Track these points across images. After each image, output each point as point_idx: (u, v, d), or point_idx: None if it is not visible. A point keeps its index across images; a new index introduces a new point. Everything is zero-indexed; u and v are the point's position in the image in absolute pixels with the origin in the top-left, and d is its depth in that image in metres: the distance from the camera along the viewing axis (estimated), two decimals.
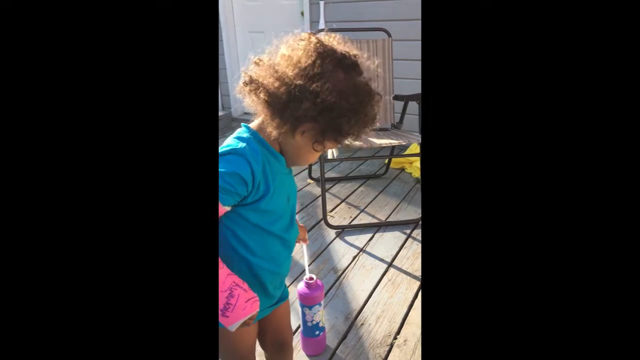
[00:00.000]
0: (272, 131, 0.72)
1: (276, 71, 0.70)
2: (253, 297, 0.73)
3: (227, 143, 0.74)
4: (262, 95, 0.70)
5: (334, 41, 0.73)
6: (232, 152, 0.72)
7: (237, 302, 0.71)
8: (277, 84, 0.69)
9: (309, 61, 0.69)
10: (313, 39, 0.71)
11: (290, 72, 0.69)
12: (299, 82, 0.68)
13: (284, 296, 0.94)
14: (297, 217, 1.02)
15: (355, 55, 0.72)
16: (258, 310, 0.74)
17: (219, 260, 0.72)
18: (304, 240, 1.02)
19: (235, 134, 0.77)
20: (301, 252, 1.86)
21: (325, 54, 0.69)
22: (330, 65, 0.69)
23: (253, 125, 0.77)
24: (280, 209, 0.80)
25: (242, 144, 0.73)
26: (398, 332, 1.40)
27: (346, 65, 0.70)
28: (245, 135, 0.76)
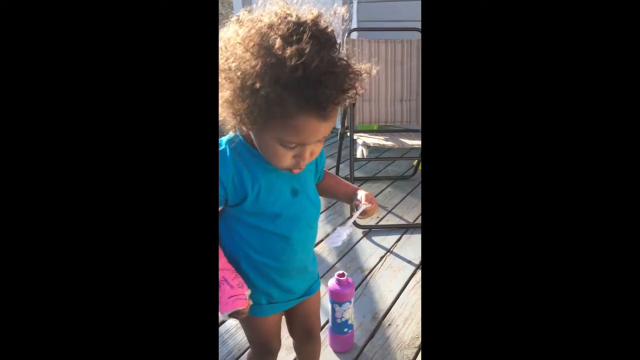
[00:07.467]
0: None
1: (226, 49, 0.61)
2: (238, 294, 0.72)
3: None
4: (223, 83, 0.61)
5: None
6: None
7: (220, 297, 0.72)
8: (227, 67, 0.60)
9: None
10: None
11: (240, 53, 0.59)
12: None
13: (313, 289, 0.92)
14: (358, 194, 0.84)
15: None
16: (243, 307, 0.72)
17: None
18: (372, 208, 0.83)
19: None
20: (327, 250, 1.86)
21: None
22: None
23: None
24: (275, 207, 0.76)
25: None
26: None
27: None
28: (225, 139, 0.74)
